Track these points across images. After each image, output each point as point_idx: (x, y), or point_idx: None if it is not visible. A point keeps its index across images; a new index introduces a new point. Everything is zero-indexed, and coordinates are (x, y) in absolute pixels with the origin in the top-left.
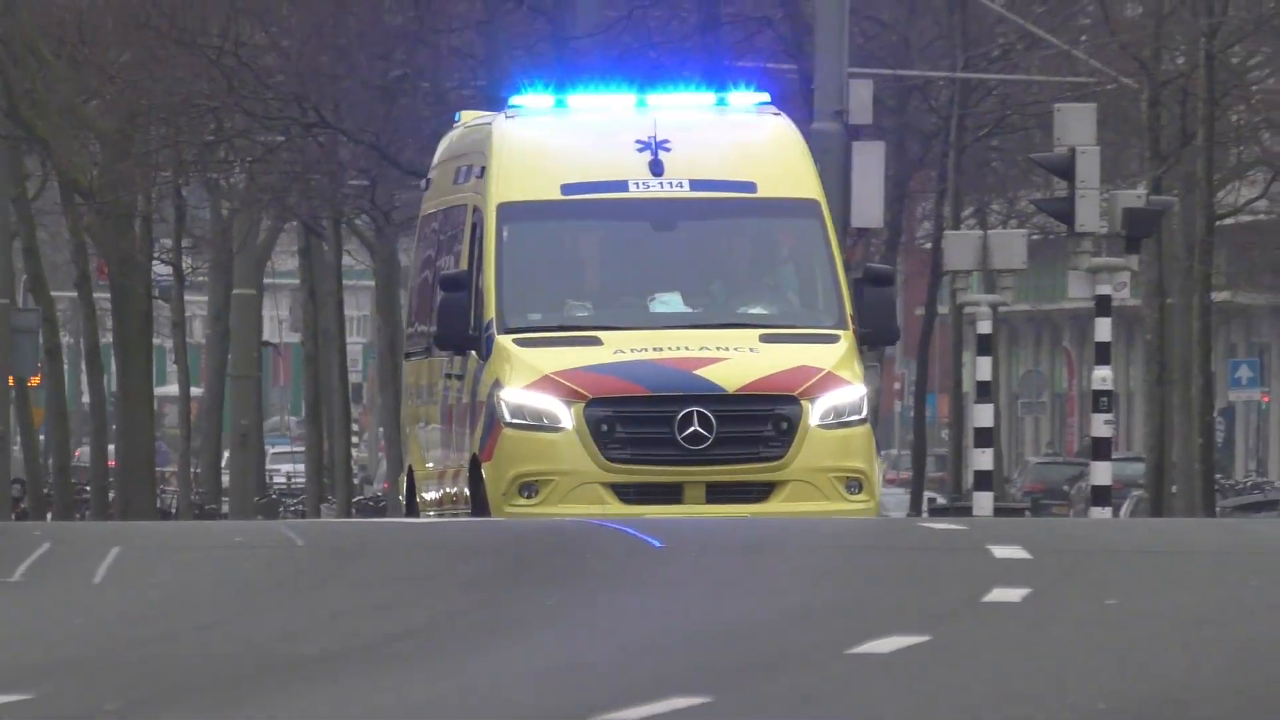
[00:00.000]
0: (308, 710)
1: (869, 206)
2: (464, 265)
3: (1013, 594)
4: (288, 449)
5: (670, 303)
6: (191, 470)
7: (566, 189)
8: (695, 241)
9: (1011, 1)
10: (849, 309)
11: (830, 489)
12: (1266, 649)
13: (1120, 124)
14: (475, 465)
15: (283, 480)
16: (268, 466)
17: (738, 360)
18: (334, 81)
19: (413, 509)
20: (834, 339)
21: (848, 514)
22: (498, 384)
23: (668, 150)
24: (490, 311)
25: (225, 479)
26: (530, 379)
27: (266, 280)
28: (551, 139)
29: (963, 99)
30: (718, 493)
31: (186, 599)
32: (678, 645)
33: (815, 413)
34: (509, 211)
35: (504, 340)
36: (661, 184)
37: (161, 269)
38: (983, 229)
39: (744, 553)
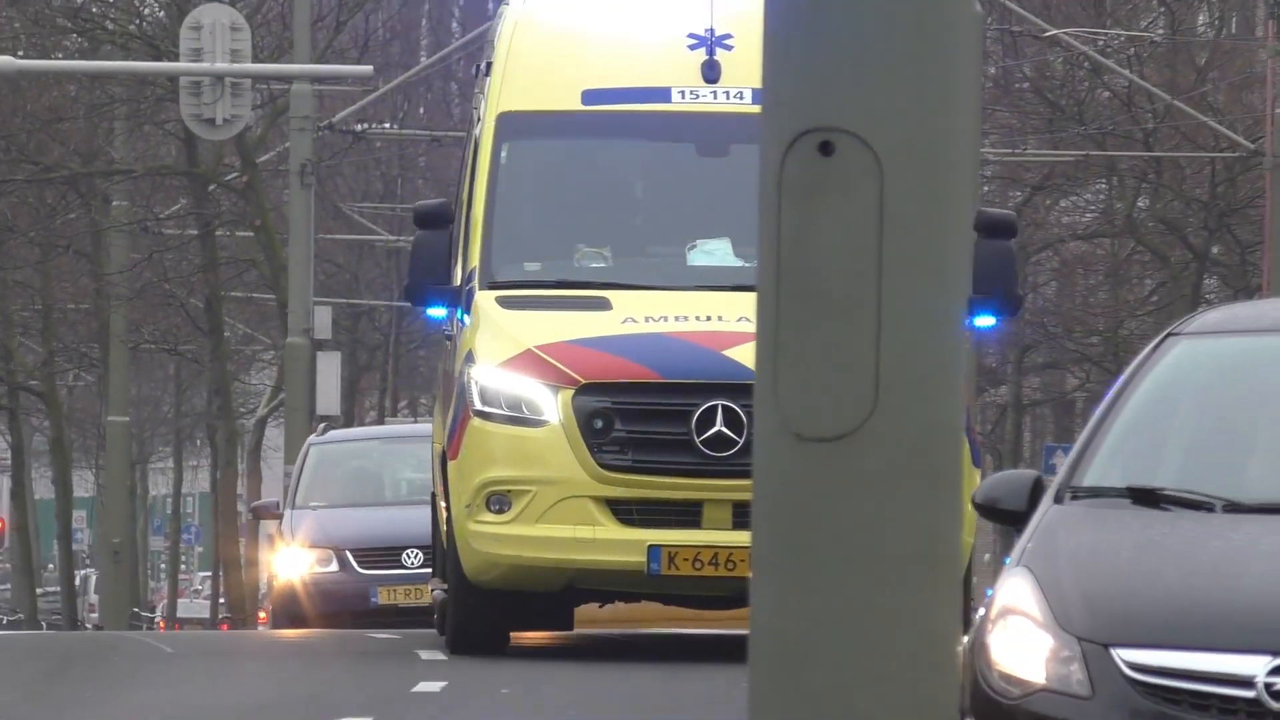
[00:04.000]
0: None
1: (329, 399)
2: (465, 196)
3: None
4: None
5: (715, 253)
6: None
7: (589, 96)
8: (753, 172)
9: None
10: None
11: None
12: None
13: None
14: (445, 466)
15: None
16: None
17: None
18: None
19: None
20: None
21: None
22: (470, 357)
23: (729, 49)
24: (474, 258)
25: None
26: (509, 353)
27: None
28: (580, 29)
29: (398, 321)
30: (748, 514)
31: None
32: None
33: None
34: (511, 124)
35: (484, 298)
36: (715, 94)
37: None
38: (414, 417)
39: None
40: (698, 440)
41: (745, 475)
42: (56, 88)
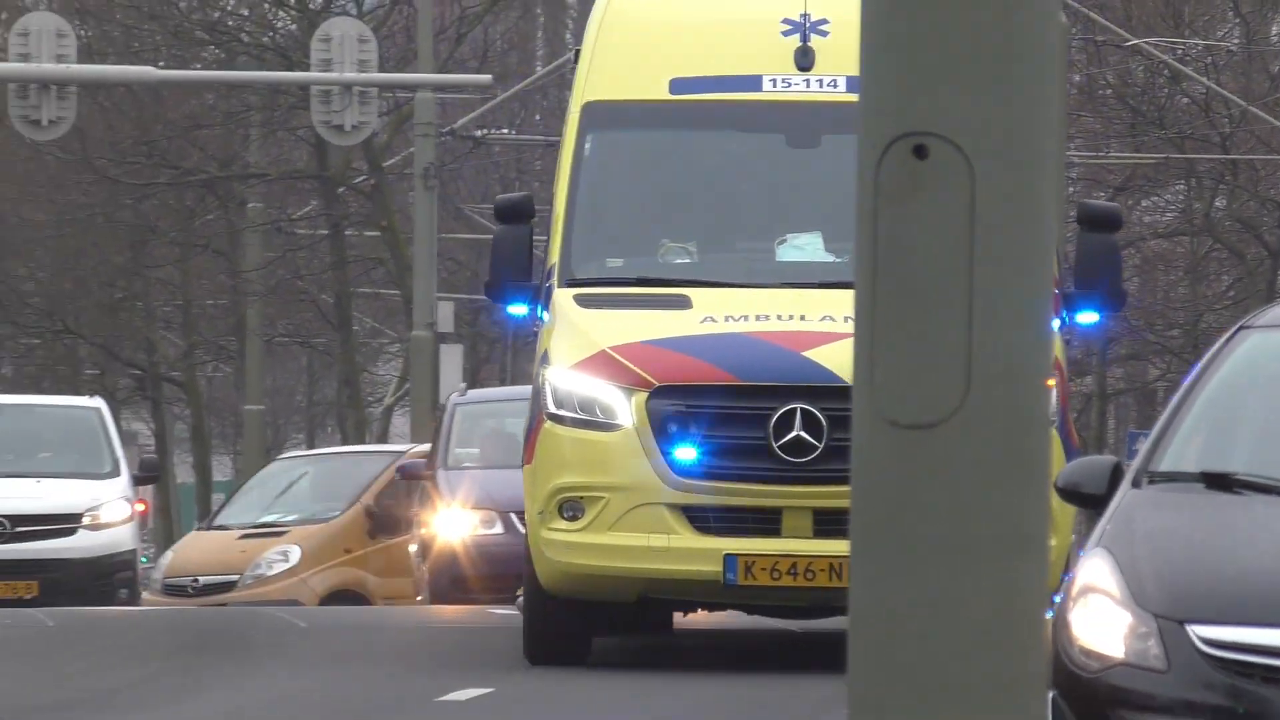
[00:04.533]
0: None
1: (451, 389)
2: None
3: None
4: None
5: (805, 248)
6: None
7: (677, 85)
8: (845, 163)
9: None
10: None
11: None
12: None
13: None
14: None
15: None
16: None
17: None
18: (74, 300)
19: None
20: None
21: None
22: (545, 358)
23: (824, 35)
24: (554, 254)
25: None
26: (583, 354)
27: None
28: (671, 16)
29: None
30: (830, 521)
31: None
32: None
33: None
34: (596, 115)
35: (562, 296)
36: (808, 82)
37: None
38: None
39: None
40: (775, 445)
41: (825, 482)
42: (195, 97)
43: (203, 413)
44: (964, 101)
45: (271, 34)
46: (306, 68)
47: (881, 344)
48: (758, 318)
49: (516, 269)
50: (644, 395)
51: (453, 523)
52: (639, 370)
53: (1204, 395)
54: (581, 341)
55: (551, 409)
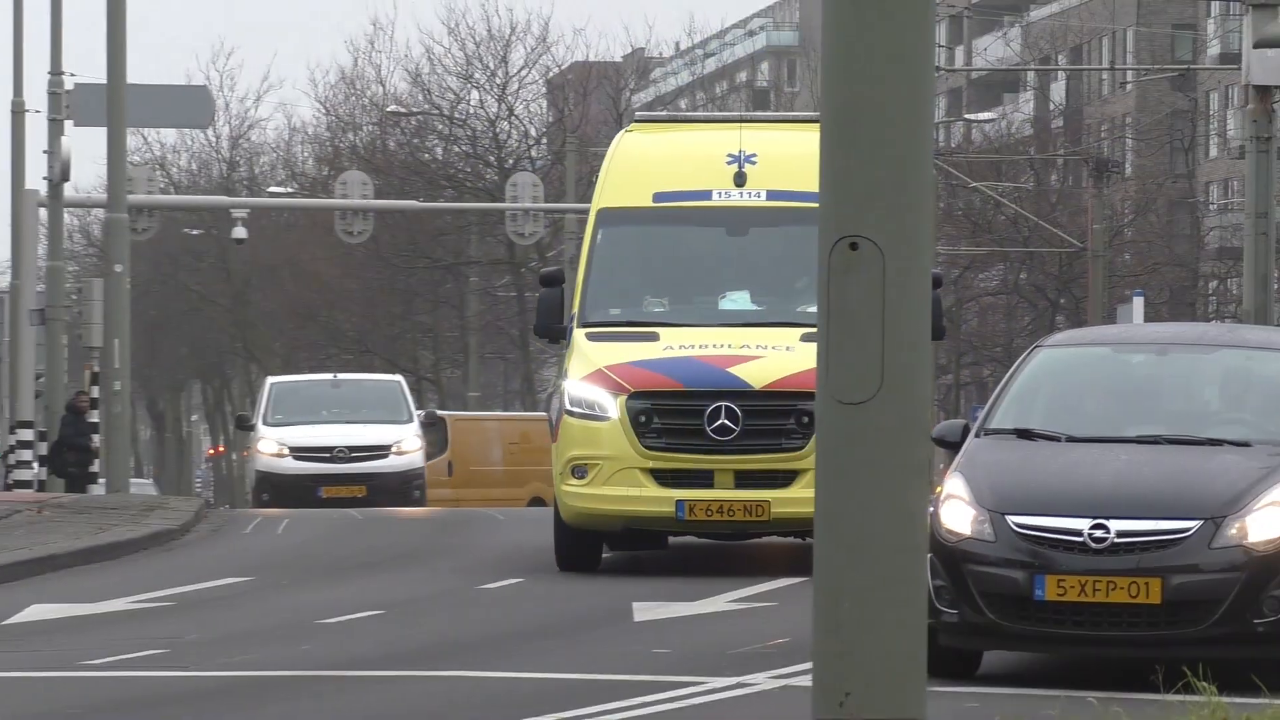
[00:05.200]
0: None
1: None
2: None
3: None
4: None
5: (738, 301)
6: None
7: (658, 197)
8: (765, 246)
9: None
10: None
11: None
12: None
13: None
14: None
15: None
16: None
17: (771, 358)
18: (372, 333)
19: None
20: None
21: None
22: (565, 374)
23: (753, 164)
24: (575, 306)
25: None
26: (587, 371)
27: None
28: (655, 151)
29: None
30: (745, 478)
31: (321, 537)
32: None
33: None
34: (607, 216)
35: (578, 333)
36: (742, 194)
37: None
38: None
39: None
40: (708, 429)
41: (742, 453)
42: (439, 217)
43: (444, 397)
44: (879, 216)
45: (483, 181)
46: (503, 200)
47: (834, 352)
48: (701, 346)
49: (552, 316)
50: (624, 397)
51: None
52: (621, 381)
53: (1015, 385)
54: (586, 363)
55: (568, 406)
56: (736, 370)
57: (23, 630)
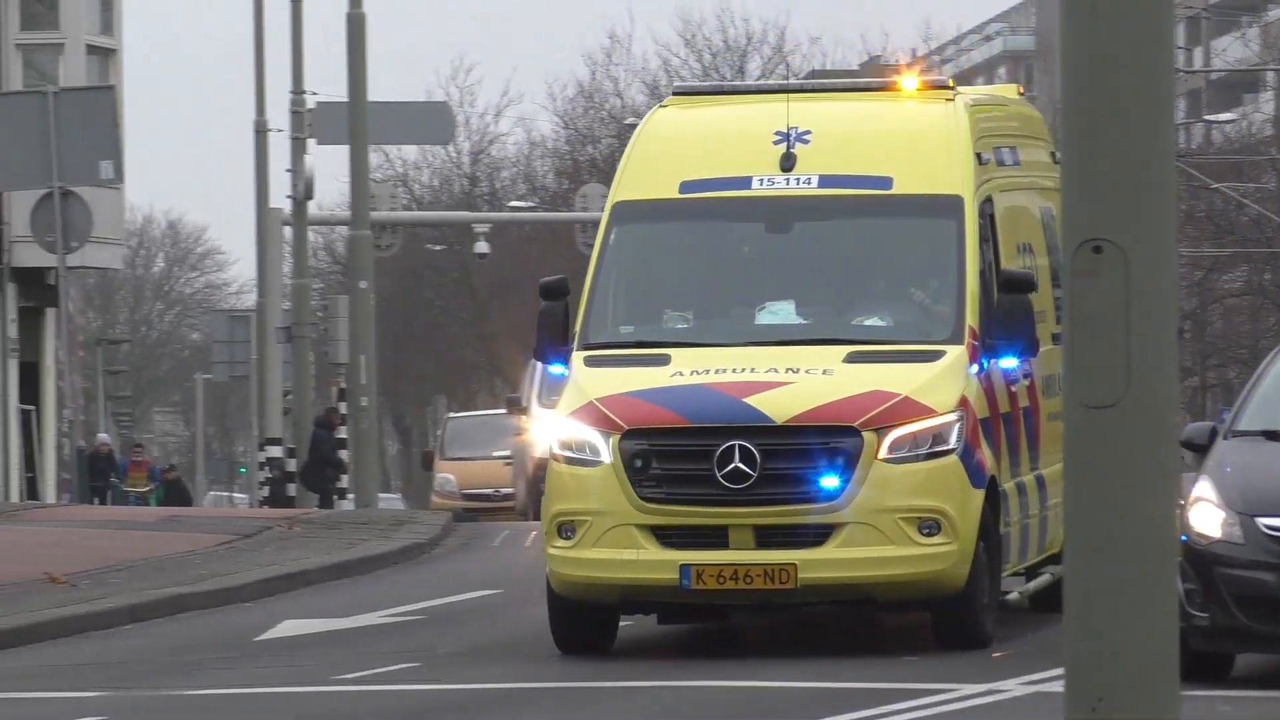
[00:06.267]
0: None
1: None
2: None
3: None
4: None
5: (780, 313)
6: None
7: (685, 186)
8: (815, 245)
9: None
10: (972, 320)
11: (896, 531)
12: None
13: None
14: None
15: None
16: None
17: (803, 385)
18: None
19: None
20: (936, 356)
21: (921, 559)
22: (558, 408)
23: (805, 142)
24: (578, 323)
25: None
26: (578, 404)
27: None
28: (690, 131)
29: None
30: (768, 536)
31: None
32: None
33: (884, 445)
34: (622, 211)
35: (577, 357)
36: (788, 180)
37: None
38: None
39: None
40: (719, 474)
41: (762, 503)
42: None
43: None
44: (1122, 218)
45: (550, 191)
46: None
47: (1078, 356)
48: (717, 371)
49: (555, 336)
50: (618, 436)
51: None
52: (615, 417)
53: (1263, 386)
54: (578, 394)
55: (556, 449)
56: (755, 401)
57: (276, 645)
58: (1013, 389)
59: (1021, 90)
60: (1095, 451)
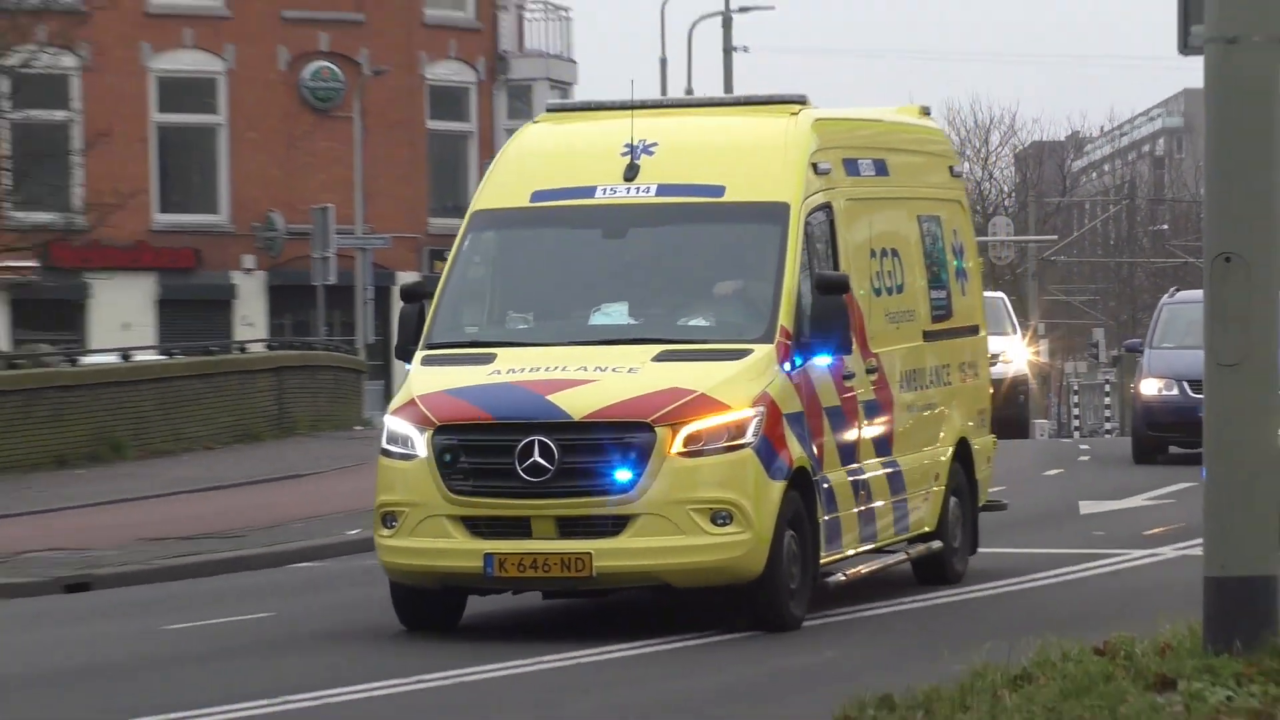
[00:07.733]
0: None
1: None
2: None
3: None
4: None
5: (614, 314)
6: None
7: (536, 195)
8: (649, 250)
9: None
10: (785, 319)
11: (688, 522)
12: None
13: None
14: None
15: None
16: None
17: (605, 382)
18: None
19: None
20: (742, 354)
21: (713, 548)
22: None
23: (650, 154)
24: (427, 325)
25: None
26: (402, 401)
27: None
28: (549, 145)
29: None
30: (568, 526)
31: None
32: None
33: (678, 439)
34: (477, 219)
35: (417, 357)
36: (629, 189)
37: None
38: None
39: None
40: (519, 468)
41: (561, 496)
42: None
43: None
44: (1242, 235)
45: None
46: (983, 236)
47: (1215, 332)
48: (531, 370)
49: (414, 336)
50: (431, 431)
51: (1147, 386)
52: (429, 413)
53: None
54: (405, 392)
55: (383, 444)
56: (556, 398)
57: None
58: (846, 383)
59: (924, 111)
60: (1226, 395)
